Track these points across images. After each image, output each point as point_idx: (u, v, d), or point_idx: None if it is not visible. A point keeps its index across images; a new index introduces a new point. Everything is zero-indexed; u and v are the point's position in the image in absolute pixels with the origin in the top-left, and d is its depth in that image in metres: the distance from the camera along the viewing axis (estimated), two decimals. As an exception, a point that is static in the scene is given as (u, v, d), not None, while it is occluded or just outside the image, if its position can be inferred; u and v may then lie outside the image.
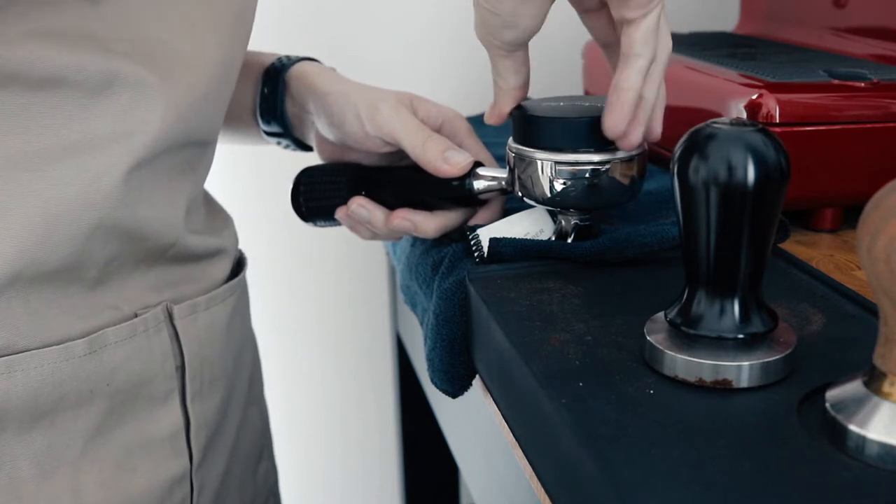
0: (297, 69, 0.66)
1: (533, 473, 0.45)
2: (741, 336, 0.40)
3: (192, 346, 0.55)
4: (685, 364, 0.40)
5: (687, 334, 0.41)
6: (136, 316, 0.52)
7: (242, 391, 0.62)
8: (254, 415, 0.65)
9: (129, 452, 0.52)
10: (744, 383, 0.40)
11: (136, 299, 0.52)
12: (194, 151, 0.54)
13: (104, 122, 0.47)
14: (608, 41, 0.57)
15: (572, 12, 0.58)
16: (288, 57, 0.68)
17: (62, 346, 0.48)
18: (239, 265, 0.63)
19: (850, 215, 0.62)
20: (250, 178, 1.08)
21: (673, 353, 0.41)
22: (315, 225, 0.68)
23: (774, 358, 0.40)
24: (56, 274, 0.47)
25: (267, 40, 0.69)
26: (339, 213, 0.64)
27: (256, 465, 0.66)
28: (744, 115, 0.61)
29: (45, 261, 0.47)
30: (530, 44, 0.56)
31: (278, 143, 0.70)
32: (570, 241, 0.57)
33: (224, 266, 0.60)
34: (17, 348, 0.47)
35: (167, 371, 0.54)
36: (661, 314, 0.43)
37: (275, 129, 0.68)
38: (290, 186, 0.68)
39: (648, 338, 0.42)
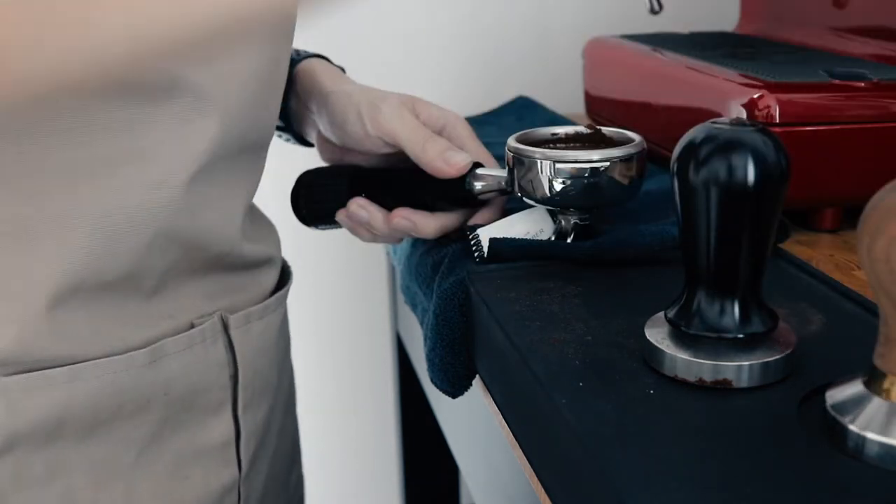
0: (304, 66, 0.66)
1: (533, 473, 0.45)
2: (741, 336, 0.40)
3: (245, 356, 0.55)
4: (685, 364, 0.40)
5: (687, 334, 0.41)
6: (192, 325, 0.52)
7: (283, 401, 0.63)
8: (289, 424, 0.65)
9: (182, 462, 0.52)
10: (744, 383, 0.40)
11: (191, 308, 0.52)
12: (250, 156, 0.54)
13: (166, 128, 0.47)
14: None
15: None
16: (297, 52, 0.68)
17: (125, 356, 0.48)
18: (284, 274, 0.63)
19: (850, 215, 0.62)
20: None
21: (673, 353, 0.41)
22: (316, 228, 0.68)
23: (774, 358, 0.40)
24: (117, 283, 0.47)
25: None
26: (340, 215, 0.64)
27: (290, 474, 0.66)
28: (744, 115, 0.61)
29: (107, 270, 0.46)
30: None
31: (279, 136, 0.70)
32: (569, 240, 0.57)
33: (273, 275, 0.60)
34: (79, 358, 0.47)
35: (221, 381, 0.54)
36: (660, 314, 0.43)
37: (278, 122, 0.68)
38: (289, 189, 0.68)
39: (648, 338, 0.42)
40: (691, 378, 0.40)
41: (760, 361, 0.40)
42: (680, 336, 0.41)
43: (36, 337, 0.45)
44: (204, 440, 0.53)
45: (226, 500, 0.55)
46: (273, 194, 0.76)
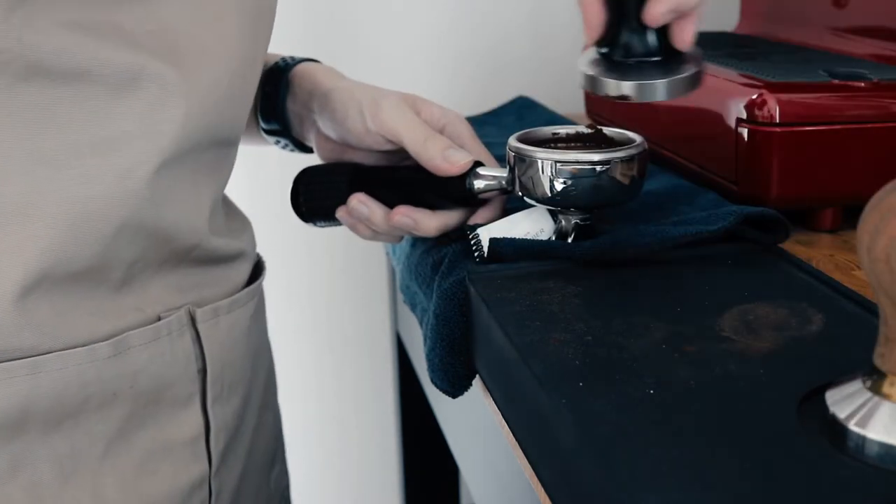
0: (300, 69, 0.66)
1: (533, 473, 0.45)
2: (660, 58, 0.51)
3: (213, 350, 0.55)
4: (615, 85, 0.51)
5: (614, 61, 0.51)
6: (159, 318, 0.52)
7: (258, 395, 0.62)
8: (268, 419, 0.65)
9: (150, 456, 0.52)
10: (661, 97, 0.51)
11: (160, 301, 0.52)
12: (219, 151, 0.54)
13: (131, 119, 0.47)
14: None
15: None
16: (292, 57, 0.68)
17: (87, 347, 0.48)
18: (257, 269, 0.63)
19: (850, 215, 0.62)
20: (247, 178, 1.08)
21: (604, 78, 0.51)
22: (315, 225, 0.68)
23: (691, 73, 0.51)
24: (82, 275, 0.47)
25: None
26: (340, 212, 0.64)
27: (270, 470, 0.66)
28: (744, 116, 0.61)
29: (72, 261, 0.46)
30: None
31: (277, 143, 0.70)
32: (570, 240, 0.57)
33: (244, 269, 0.59)
34: (43, 349, 0.46)
35: (189, 374, 0.53)
36: (591, 49, 0.54)
37: (274, 127, 0.68)
38: (289, 187, 0.68)
39: (581, 68, 0.52)
40: (615, 94, 0.51)
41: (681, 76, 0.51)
42: (609, 63, 0.52)
43: (0, 327, 0.45)
44: (173, 434, 0.53)
45: (195, 495, 0.55)
46: (273, 192, 0.76)
